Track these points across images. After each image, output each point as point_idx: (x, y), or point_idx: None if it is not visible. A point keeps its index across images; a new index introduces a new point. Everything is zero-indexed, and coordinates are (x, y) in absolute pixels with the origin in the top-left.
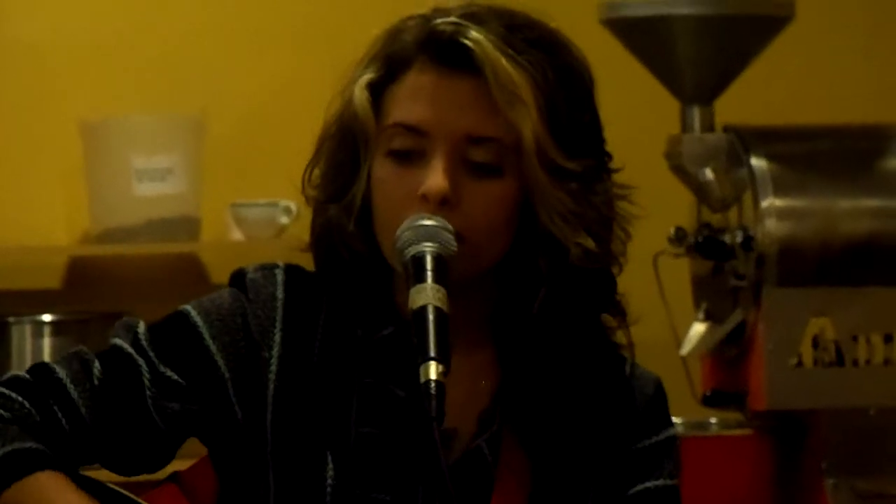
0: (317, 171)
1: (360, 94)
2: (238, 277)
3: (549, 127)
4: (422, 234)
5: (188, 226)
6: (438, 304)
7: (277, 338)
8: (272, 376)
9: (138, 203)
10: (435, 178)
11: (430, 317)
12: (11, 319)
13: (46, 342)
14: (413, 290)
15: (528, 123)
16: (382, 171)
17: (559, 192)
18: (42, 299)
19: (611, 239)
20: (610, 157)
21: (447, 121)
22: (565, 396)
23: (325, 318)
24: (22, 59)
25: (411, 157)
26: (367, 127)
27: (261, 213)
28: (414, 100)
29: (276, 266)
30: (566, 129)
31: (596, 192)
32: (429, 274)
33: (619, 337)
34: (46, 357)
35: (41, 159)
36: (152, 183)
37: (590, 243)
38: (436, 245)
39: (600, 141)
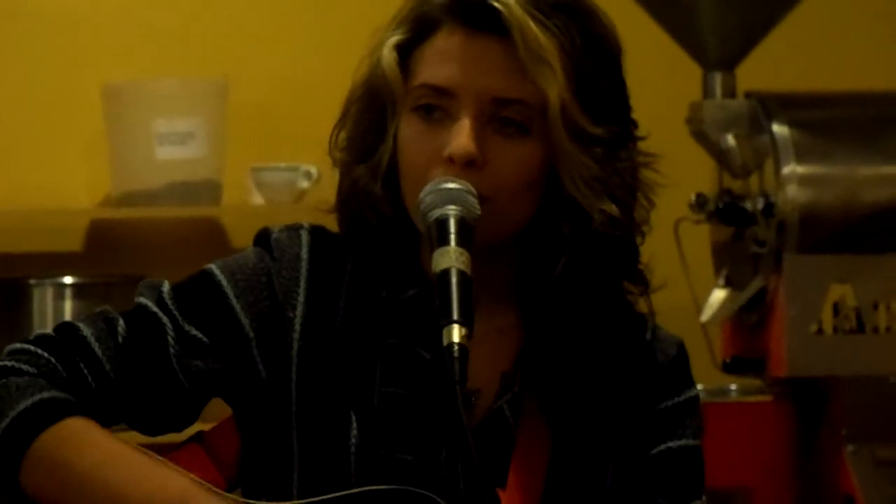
0: (343, 134)
1: (387, 56)
2: (263, 237)
3: (575, 91)
4: (445, 197)
5: (209, 189)
6: (462, 267)
7: (302, 298)
8: (296, 336)
9: (160, 166)
10: (461, 139)
11: (454, 280)
12: (33, 281)
13: (68, 304)
14: (436, 253)
15: (555, 87)
16: (409, 130)
17: (584, 157)
18: (63, 262)
19: (634, 206)
20: (635, 124)
21: (475, 82)
22: (587, 358)
23: (349, 279)
24: (46, 22)
25: (438, 118)
26: (395, 88)
27: (282, 177)
28: (442, 61)
29: (301, 226)
30: (592, 95)
31: (620, 159)
32: (452, 237)
33: (641, 305)
34: (67, 319)
35: (64, 122)
36: (174, 146)
37: (613, 210)
38: (459, 208)
39: (626, 108)
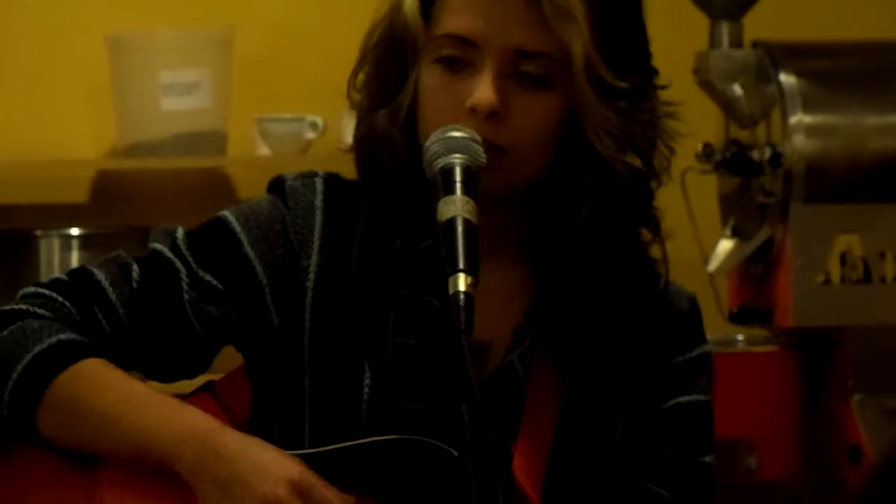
0: (361, 76)
1: (410, 2)
2: (277, 185)
3: (598, 44)
4: (451, 145)
5: (215, 140)
6: (467, 216)
7: (316, 246)
8: (310, 284)
9: (165, 117)
10: (484, 89)
11: (460, 228)
12: (39, 233)
13: (74, 255)
14: (442, 202)
15: (579, 40)
16: (431, 80)
17: (607, 110)
18: (69, 213)
19: (654, 156)
20: (656, 72)
21: (499, 33)
22: (599, 312)
23: (363, 228)
24: None
25: (460, 68)
26: (417, 36)
27: (287, 128)
28: (466, 12)
29: (316, 174)
30: (616, 48)
31: (642, 110)
32: (458, 186)
33: (654, 251)
34: None
35: (69, 73)
36: (179, 97)
37: (637, 162)
38: (465, 157)
39: (647, 57)
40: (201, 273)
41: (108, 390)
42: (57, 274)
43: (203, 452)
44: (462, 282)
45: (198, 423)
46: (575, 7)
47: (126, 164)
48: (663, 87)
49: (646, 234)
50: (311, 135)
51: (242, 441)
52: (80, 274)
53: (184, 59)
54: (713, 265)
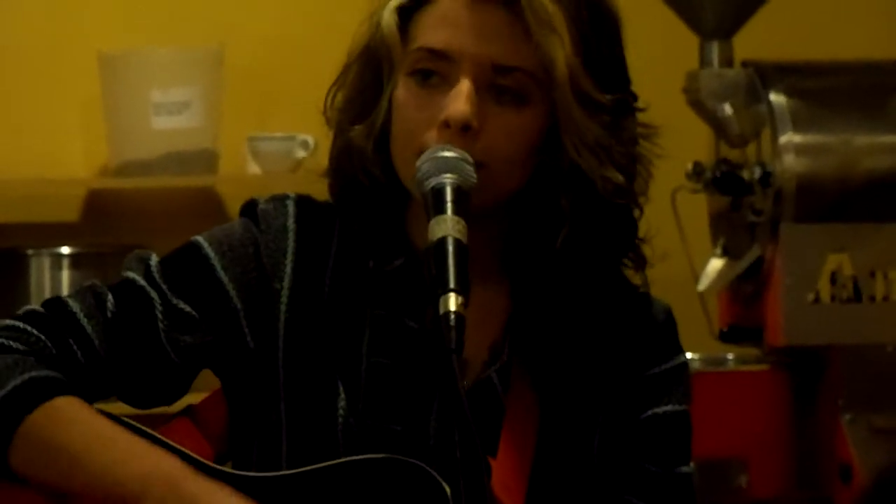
0: (340, 95)
1: (388, 18)
2: (249, 208)
3: (581, 58)
4: (442, 165)
5: (206, 159)
6: (458, 236)
7: (288, 269)
8: (283, 307)
9: (156, 136)
10: (458, 103)
11: (450, 248)
12: (30, 251)
13: (65, 274)
14: (433, 222)
15: (562, 53)
16: (404, 94)
17: (590, 122)
18: (60, 232)
19: (634, 177)
20: (635, 97)
21: (474, 47)
22: (575, 326)
23: (336, 249)
24: None
25: (435, 83)
26: (393, 50)
27: (278, 146)
28: (442, 25)
29: (288, 197)
30: (597, 63)
31: (623, 128)
32: (449, 206)
33: (635, 278)
34: (64, 289)
35: (60, 91)
36: (170, 116)
37: (618, 177)
38: (456, 176)
39: (627, 80)
40: (175, 301)
41: (78, 430)
42: (38, 301)
43: (168, 496)
44: (453, 302)
45: (164, 465)
46: (557, 21)
47: (117, 182)
48: (642, 110)
49: (629, 263)
50: (301, 154)
51: (208, 487)
52: (55, 305)
53: (175, 77)
54: (703, 284)
